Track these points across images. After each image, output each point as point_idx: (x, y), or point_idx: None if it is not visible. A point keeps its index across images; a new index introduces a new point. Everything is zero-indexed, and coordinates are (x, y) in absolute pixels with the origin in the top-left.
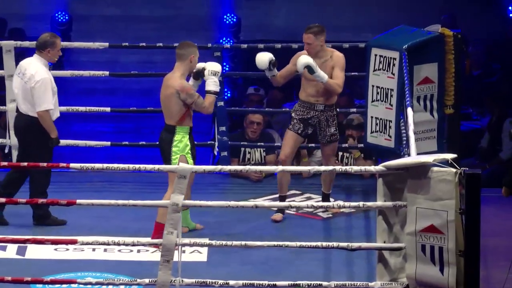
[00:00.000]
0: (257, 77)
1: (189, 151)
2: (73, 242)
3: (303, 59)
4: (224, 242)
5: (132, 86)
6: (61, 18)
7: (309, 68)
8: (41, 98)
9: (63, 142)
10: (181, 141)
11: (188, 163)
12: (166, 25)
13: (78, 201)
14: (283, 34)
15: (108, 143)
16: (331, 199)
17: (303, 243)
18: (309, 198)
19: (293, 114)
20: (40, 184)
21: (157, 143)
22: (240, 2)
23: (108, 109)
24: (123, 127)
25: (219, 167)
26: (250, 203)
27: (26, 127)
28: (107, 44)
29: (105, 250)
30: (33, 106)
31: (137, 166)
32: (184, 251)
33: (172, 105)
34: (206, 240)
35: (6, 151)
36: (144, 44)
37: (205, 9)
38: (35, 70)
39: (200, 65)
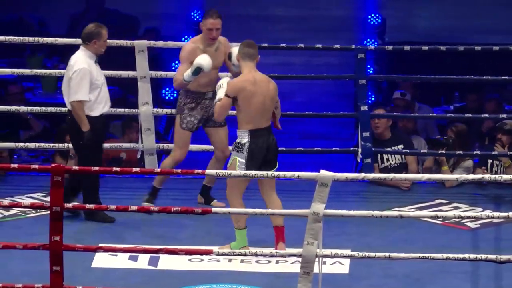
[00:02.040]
0: (403, 81)
1: None
2: (209, 252)
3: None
4: (366, 254)
5: None
6: (197, 17)
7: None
8: (75, 87)
9: (197, 147)
10: None
11: None
12: (303, 26)
13: (213, 209)
14: (429, 35)
15: None
16: None
17: (450, 255)
18: (456, 208)
19: (185, 110)
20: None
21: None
22: (385, 2)
23: None
24: None
25: (362, 174)
26: (394, 212)
27: (69, 124)
28: None
29: (242, 261)
30: None
31: (275, 173)
32: (324, 262)
33: (274, 103)
34: (348, 251)
35: (138, 156)
36: (284, 45)
37: (347, 9)
38: (75, 60)
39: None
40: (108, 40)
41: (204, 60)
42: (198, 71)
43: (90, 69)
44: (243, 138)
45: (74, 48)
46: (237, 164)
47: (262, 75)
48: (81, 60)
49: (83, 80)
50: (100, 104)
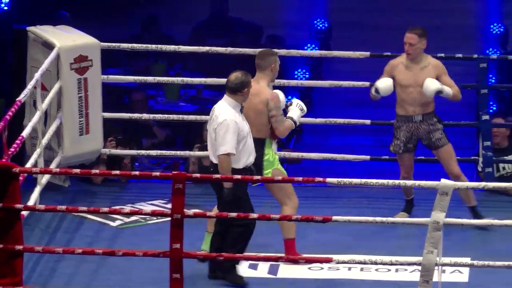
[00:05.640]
0: None
1: (278, 162)
2: (328, 260)
3: (433, 84)
4: (486, 262)
5: (394, 97)
6: (320, 25)
7: (439, 92)
8: (220, 140)
9: (319, 155)
10: (269, 153)
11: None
12: (428, 35)
13: (334, 217)
14: None
15: (368, 157)
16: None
17: None
18: None
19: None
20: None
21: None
22: (508, 11)
23: (368, 121)
24: (383, 141)
25: (482, 183)
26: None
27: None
28: (368, 53)
29: (362, 269)
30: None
31: (396, 181)
32: (444, 271)
33: (262, 116)
34: (467, 260)
35: None
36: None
37: (470, 18)
38: (220, 111)
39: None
40: (231, 48)
41: (381, 83)
42: (377, 92)
43: (236, 120)
44: None
45: (195, 56)
46: None
47: (258, 87)
48: (226, 111)
49: (228, 132)
50: (244, 155)
